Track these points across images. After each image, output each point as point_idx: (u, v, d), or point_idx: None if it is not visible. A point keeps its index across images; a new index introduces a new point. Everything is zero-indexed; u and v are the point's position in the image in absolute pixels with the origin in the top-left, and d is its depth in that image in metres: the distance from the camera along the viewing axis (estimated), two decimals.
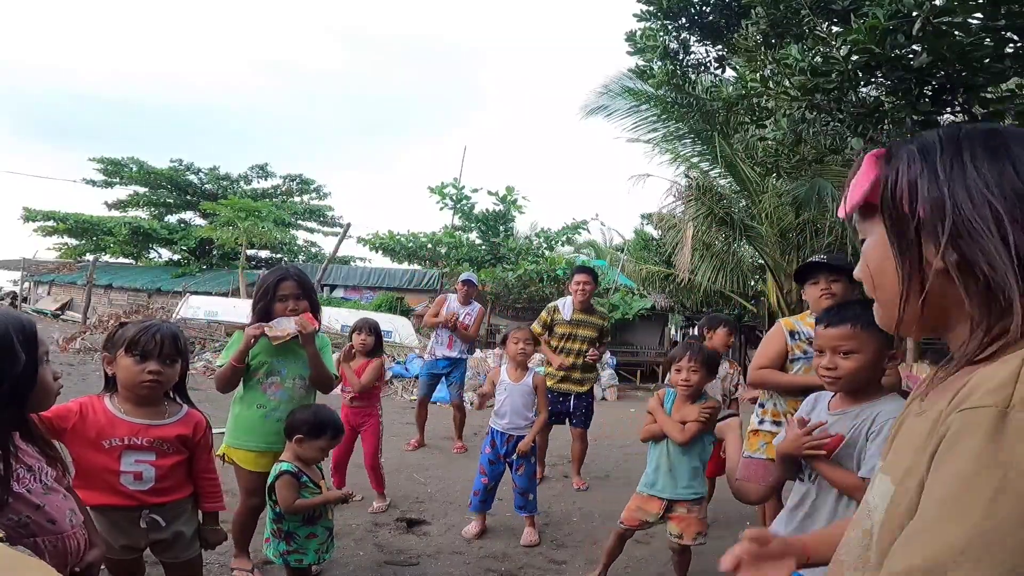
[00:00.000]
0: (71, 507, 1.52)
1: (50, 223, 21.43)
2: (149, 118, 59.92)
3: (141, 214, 23.40)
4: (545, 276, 13.05)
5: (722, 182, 11.18)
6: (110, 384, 2.01)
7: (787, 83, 3.79)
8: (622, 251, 17.71)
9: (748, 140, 7.66)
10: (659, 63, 5.74)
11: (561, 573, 3.27)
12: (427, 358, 6.04)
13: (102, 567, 1.68)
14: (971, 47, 3.03)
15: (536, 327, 4.85)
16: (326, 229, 24.05)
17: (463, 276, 6.00)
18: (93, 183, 22.77)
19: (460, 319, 5.70)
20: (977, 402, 0.61)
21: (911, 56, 3.23)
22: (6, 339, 1.31)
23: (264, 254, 22.70)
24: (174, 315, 13.18)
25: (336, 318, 11.92)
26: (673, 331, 16.11)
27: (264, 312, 2.75)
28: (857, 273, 0.89)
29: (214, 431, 2.27)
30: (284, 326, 2.68)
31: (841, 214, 0.84)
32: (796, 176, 7.18)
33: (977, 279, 0.69)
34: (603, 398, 10.18)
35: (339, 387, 3.99)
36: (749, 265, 12.48)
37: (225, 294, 16.25)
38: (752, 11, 4.18)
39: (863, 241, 0.86)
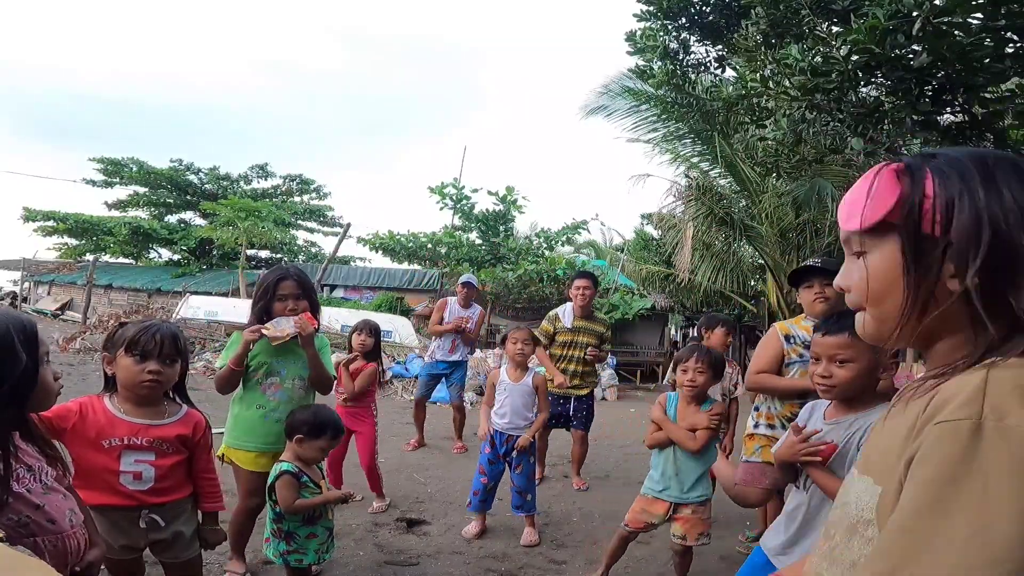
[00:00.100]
0: (71, 507, 1.51)
1: (50, 223, 21.43)
2: (149, 118, 59.96)
3: (141, 214, 23.41)
4: (545, 276, 13.05)
5: (722, 182, 11.18)
6: (110, 384, 2.01)
7: (787, 83, 3.79)
8: (622, 251, 17.72)
9: (748, 140, 7.66)
10: (659, 63, 5.75)
11: (561, 573, 3.27)
12: (427, 359, 6.03)
13: (102, 567, 1.68)
14: (971, 47, 3.03)
15: (542, 339, 4.76)
16: (326, 229, 24.05)
17: (463, 278, 5.94)
18: (93, 183, 22.79)
19: (468, 329, 5.69)
20: (950, 415, 0.66)
21: (911, 56, 3.23)
22: (7, 339, 1.31)
23: (264, 254, 22.70)
24: (174, 315, 13.18)
25: (336, 318, 11.91)
26: (673, 331, 16.11)
27: (264, 312, 2.75)
28: (843, 283, 0.90)
29: (214, 431, 2.27)
30: (283, 326, 2.67)
31: (854, 226, 0.83)
32: (796, 176, 7.18)
33: (991, 302, 0.72)
34: (603, 398, 10.18)
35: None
36: (749, 265, 12.48)
37: (225, 294, 16.25)
38: (752, 11, 4.18)
39: (857, 254, 0.86)
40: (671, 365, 2.96)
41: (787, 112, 4.16)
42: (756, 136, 5.37)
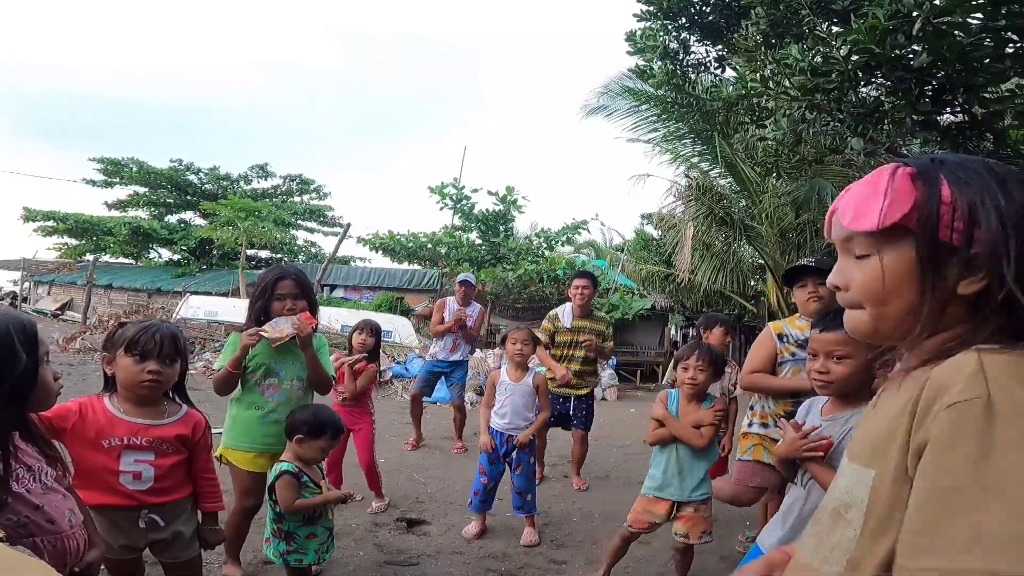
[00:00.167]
0: (70, 507, 1.51)
1: (50, 223, 21.42)
2: (149, 118, 59.95)
3: (141, 214, 23.41)
4: (545, 276, 13.05)
5: (722, 182, 11.19)
6: (110, 384, 2.01)
7: (787, 83, 3.79)
8: (622, 251, 17.72)
9: (748, 140, 7.66)
10: (659, 63, 5.74)
11: (561, 573, 3.27)
12: (428, 358, 6.03)
13: (102, 567, 1.68)
14: (971, 47, 3.03)
15: (543, 338, 4.77)
16: (326, 229, 24.05)
17: (460, 277, 5.93)
18: (93, 183, 22.78)
19: (468, 326, 5.69)
20: (960, 396, 0.71)
21: (911, 56, 3.22)
22: (7, 339, 1.31)
23: (264, 254, 22.69)
24: (174, 315, 13.18)
25: (336, 318, 11.92)
26: (673, 331, 16.11)
27: (262, 311, 2.73)
28: (840, 281, 0.92)
29: (213, 431, 2.27)
30: (282, 326, 2.65)
31: (867, 226, 0.85)
32: (796, 176, 7.18)
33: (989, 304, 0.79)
34: (603, 398, 10.18)
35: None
36: (749, 265, 12.48)
37: (225, 294, 16.25)
38: (752, 11, 4.18)
39: (860, 254, 0.88)
40: (672, 363, 2.97)
41: (787, 112, 4.16)
42: (756, 136, 5.37)
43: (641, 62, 6.18)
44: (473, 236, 15.17)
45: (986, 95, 3.46)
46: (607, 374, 10.78)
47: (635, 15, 5.45)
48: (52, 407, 1.68)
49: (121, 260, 22.85)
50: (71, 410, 1.90)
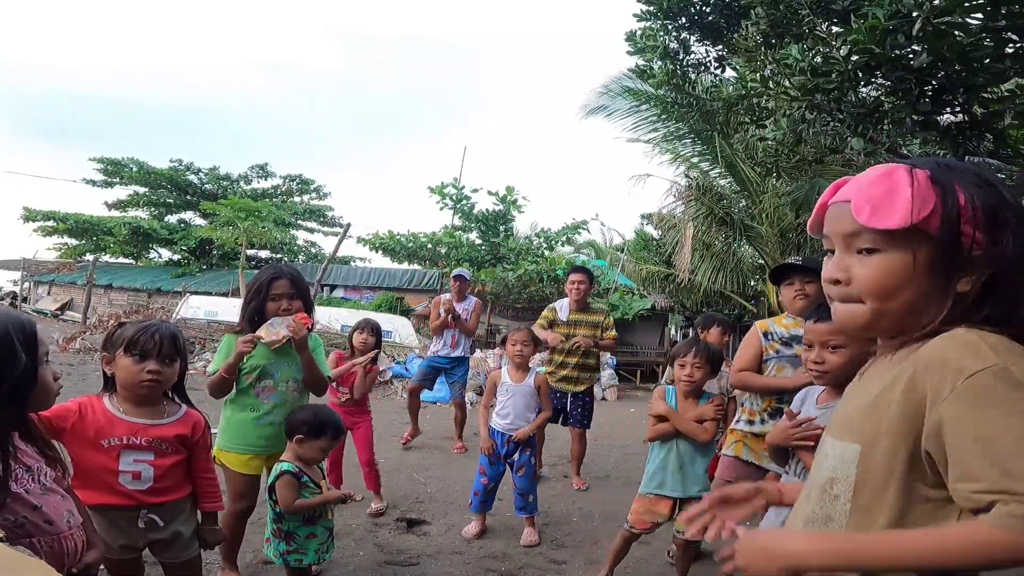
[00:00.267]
0: (69, 508, 1.51)
1: (50, 223, 21.43)
2: (149, 118, 59.96)
3: (141, 214, 23.41)
4: (545, 276, 13.06)
5: (722, 182, 11.19)
6: (109, 384, 2.01)
7: (787, 83, 3.79)
8: (622, 251, 17.72)
9: (748, 140, 7.66)
10: (659, 63, 5.74)
11: (561, 573, 3.27)
12: (429, 355, 6.03)
13: (101, 567, 1.68)
14: (971, 47, 3.03)
15: (543, 323, 4.84)
16: (326, 229, 24.06)
17: (454, 272, 5.96)
18: (93, 183, 22.79)
19: (461, 317, 5.70)
20: (974, 367, 0.80)
21: (911, 56, 3.22)
22: (6, 339, 1.31)
23: (264, 254, 22.69)
24: (174, 315, 13.19)
25: (336, 318, 11.92)
26: (673, 331, 16.11)
27: (256, 312, 2.69)
28: (840, 275, 0.94)
29: (213, 431, 2.27)
30: (277, 328, 2.62)
31: (886, 224, 0.87)
32: (796, 176, 7.18)
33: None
34: (603, 398, 10.18)
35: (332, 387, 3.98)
36: (749, 265, 12.48)
37: (225, 294, 16.25)
38: (752, 11, 4.18)
39: (866, 249, 0.91)
40: (669, 360, 2.99)
41: (787, 112, 4.16)
42: (756, 136, 5.37)
43: (641, 62, 6.17)
44: (473, 236, 15.17)
45: (986, 95, 3.46)
46: (607, 374, 10.77)
47: (635, 15, 5.44)
48: (52, 407, 1.68)
49: (121, 260, 22.86)
50: (71, 410, 1.90)
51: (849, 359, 1.77)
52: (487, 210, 15.01)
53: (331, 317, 11.88)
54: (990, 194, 0.87)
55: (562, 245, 15.71)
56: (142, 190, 23.24)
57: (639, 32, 5.59)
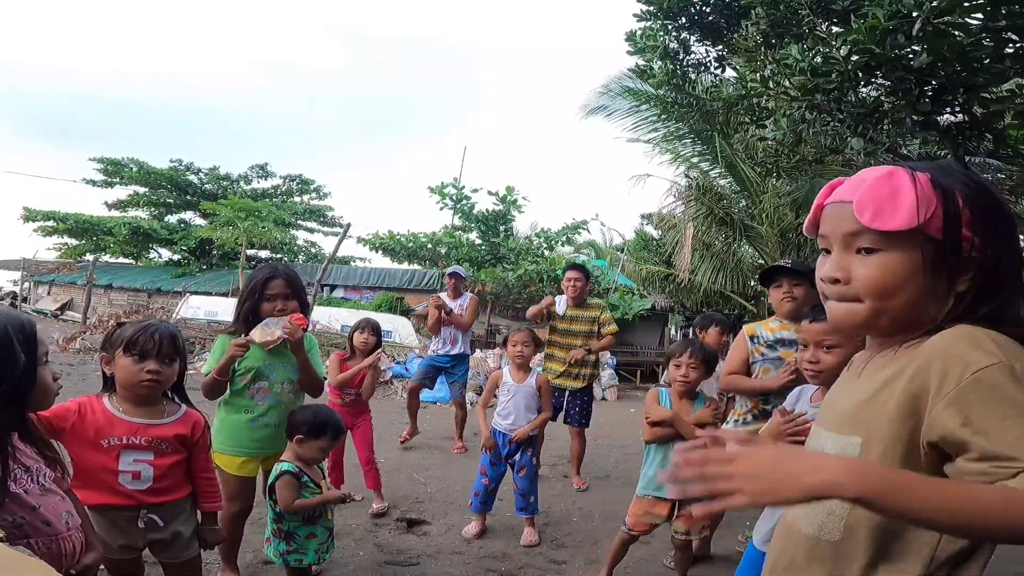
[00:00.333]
0: (68, 509, 1.51)
1: (50, 223, 21.42)
2: (149, 118, 59.96)
3: (141, 214, 23.40)
4: (545, 276, 13.04)
5: (722, 182, 11.19)
6: (109, 384, 2.00)
7: (787, 83, 3.79)
8: (622, 251, 17.71)
9: (748, 140, 7.65)
10: (659, 63, 5.74)
11: (561, 573, 3.27)
12: (429, 355, 6.03)
13: (101, 567, 1.68)
14: (971, 47, 3.03)
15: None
16: (326, 229, 24.05)
17: (449, 270, 5.96)
18: (93, 183, 22.78)
19: (453, 311, 5.70)
20: (980, 363, 0.81)
21: (911, 56, 3.22)
22: (6, 340, 1.31)
23: (264, 254, 22.67)
24: (174, 315, 13.19)
25: (336, 318, 11.92)
26: (673, 331, 16.11)
27: (251, 312, 2.67)
28: (840, 274, 0.95)
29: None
30: (272, 328, 2.59)
31: (891, 225, 0.89)
32: (796, 176, 7.17)
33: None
34: (603, 398, 10.18)
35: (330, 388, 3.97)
36: (749, 265, 12.47)
37: (225, 294, 16.24)
38: (752, 11, 4.18)
39: (866, 249, 0.92)
40: (665, 360, 3.00)
41: (787, 112, 4.16)
42: (756, 136, 5.36)
43: (641, 62, 6.17)
44: (473, 236, 15.16)
45: (986, 95, 3.46)
46: (607, 374, 10.77)
47: (635, 15, 5.44)
48: (51, 407, 1.68)
49: (121, 260, 22.85)
50: (70, 410, 1.90)
51: (844, 359, 1.75)
52: (487, 210, 15.00)
53: (331, 317, 11.89)
54: (984, 197, 0.90)
55: (562, 245, 15.69)
56: (142, 190, 23.24)
57: (639, 32, 5.59)
